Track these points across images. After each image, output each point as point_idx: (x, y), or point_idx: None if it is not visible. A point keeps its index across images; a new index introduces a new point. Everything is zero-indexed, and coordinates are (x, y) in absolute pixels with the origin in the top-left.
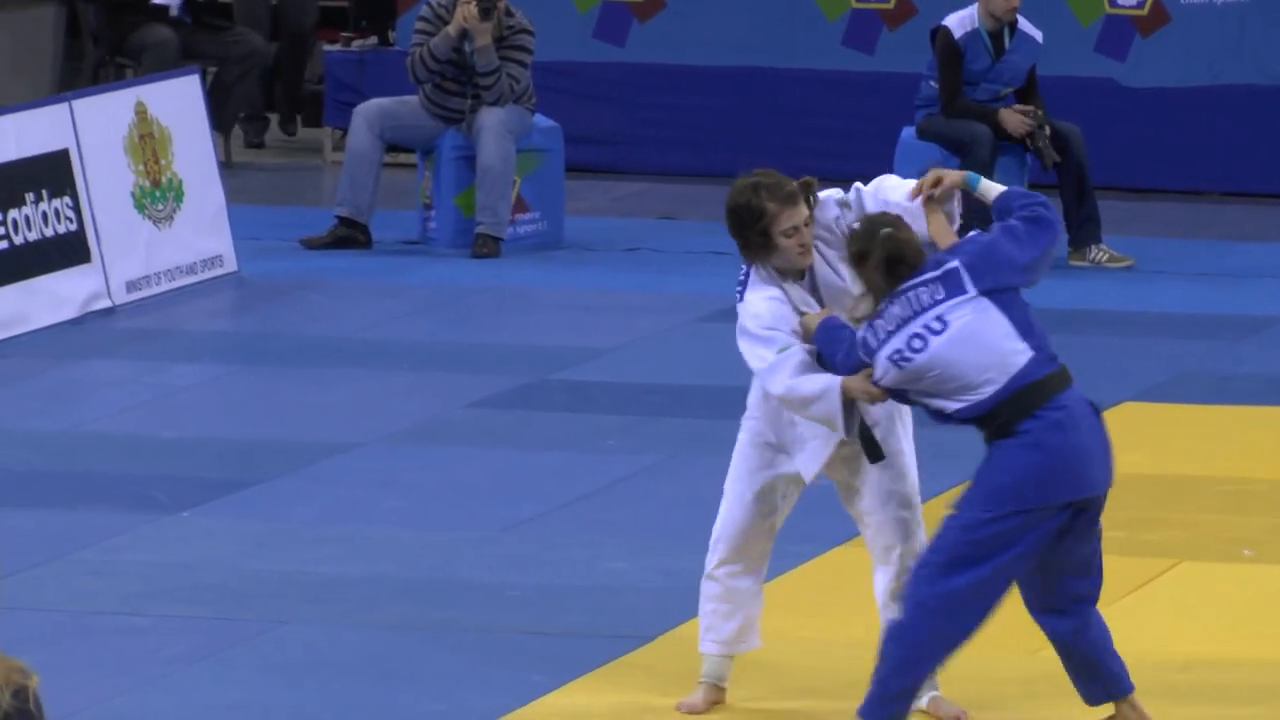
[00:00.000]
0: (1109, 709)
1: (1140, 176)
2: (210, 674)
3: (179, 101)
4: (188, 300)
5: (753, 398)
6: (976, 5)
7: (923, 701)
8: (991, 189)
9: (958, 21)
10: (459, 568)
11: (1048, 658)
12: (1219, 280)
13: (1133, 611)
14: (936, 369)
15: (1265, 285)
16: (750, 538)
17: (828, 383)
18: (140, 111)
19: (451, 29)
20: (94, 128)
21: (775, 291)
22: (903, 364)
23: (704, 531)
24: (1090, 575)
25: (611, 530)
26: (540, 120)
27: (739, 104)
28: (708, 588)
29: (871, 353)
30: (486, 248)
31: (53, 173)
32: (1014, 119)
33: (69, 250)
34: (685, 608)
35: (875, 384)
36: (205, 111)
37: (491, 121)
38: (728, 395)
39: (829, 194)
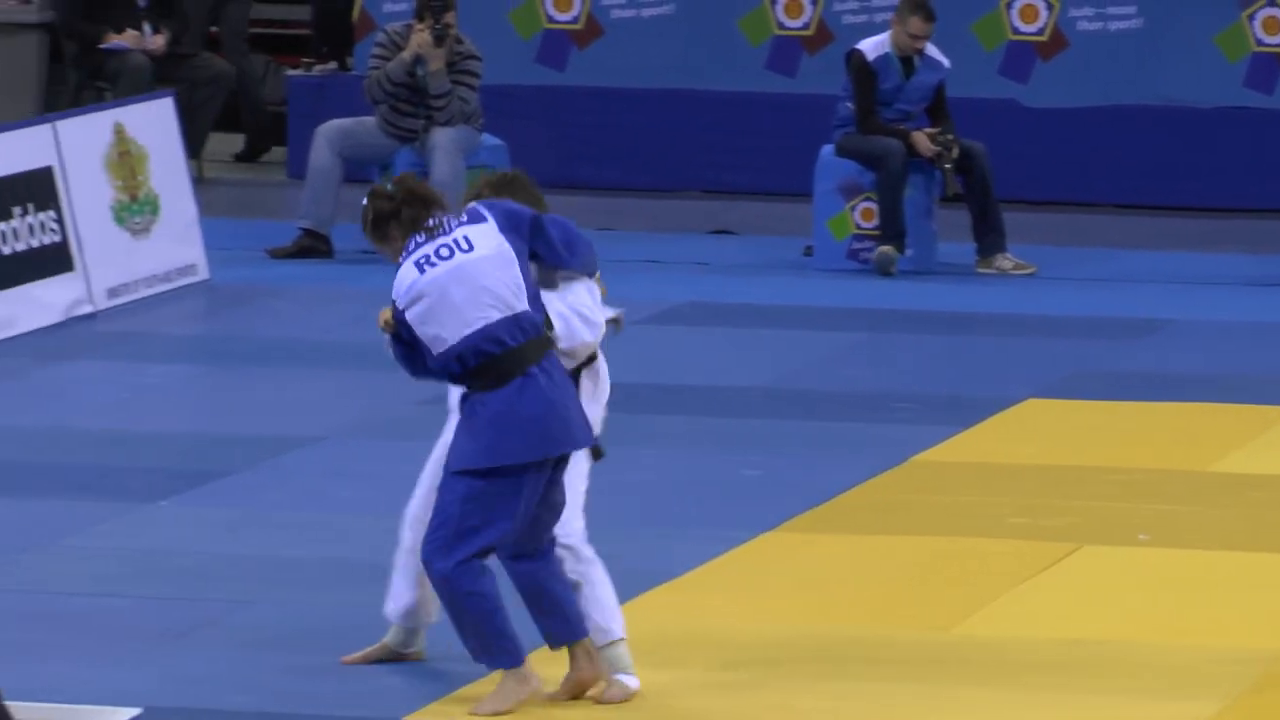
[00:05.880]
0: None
1: (1040, 190)
2: (180, 649)
3: (155, 122)
4: (163, 305)
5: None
6: (889, 33)
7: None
8: None
9: (871, 46)
10: None
11: None
12: (1112, 285)
13: (1038, 592)
14: (453, 283)
15: (1153, 290)
16: None
17: None
18: (119, 131)
19: (406, 54)
20: (76, 146)
21: None
22: (426, 268)
23: None
24: (557, 519)
25: None
26: (487, 139)
27: (668, 123)
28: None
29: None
30: None
31: (37, 188)
32: (923, 141)
33: (53, 260)
34: None
35: (395, 309)
36: (179, 131)
37: (443, 140)
38: None
39: None
